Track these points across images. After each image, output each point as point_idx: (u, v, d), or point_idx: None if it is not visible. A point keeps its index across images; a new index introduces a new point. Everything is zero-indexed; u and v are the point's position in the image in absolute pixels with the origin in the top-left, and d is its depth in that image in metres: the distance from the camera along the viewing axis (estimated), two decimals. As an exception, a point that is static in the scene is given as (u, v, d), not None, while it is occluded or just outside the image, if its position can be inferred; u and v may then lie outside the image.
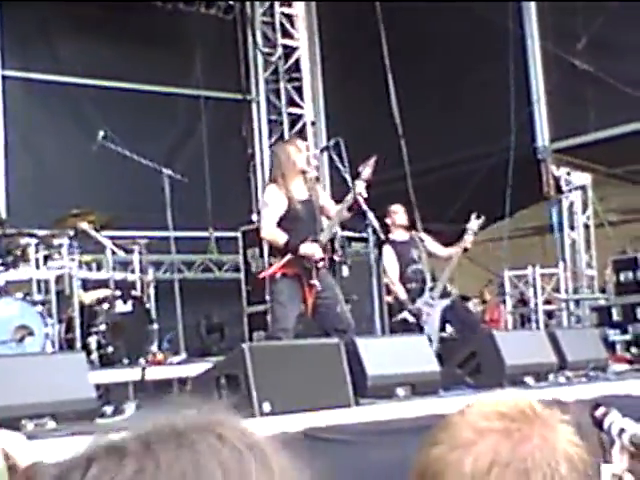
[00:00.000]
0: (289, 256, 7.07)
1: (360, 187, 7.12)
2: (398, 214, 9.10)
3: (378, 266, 8.38)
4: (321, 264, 7.16)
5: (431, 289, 8.79)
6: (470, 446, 1.18)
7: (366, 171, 7.20)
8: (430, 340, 8.39)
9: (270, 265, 7.44)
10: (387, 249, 8.89)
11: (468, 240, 8.83)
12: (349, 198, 7.21)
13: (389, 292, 9.10)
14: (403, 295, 8.78)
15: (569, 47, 10.83)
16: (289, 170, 7.28)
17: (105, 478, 0.83)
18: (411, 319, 8.64)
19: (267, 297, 9.88)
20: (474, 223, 8.80)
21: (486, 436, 1.18)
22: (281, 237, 7.11)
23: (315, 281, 7.09)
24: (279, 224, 7.20)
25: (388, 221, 8.96)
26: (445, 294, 8.90)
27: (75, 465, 0.86)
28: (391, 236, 8.95)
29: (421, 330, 8.50)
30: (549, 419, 1.20)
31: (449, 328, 8.74)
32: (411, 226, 9.52)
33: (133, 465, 0.84)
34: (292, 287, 7.12)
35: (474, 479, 1.17)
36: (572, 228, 11.50)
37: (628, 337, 10.34)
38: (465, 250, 8.91)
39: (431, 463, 1.21)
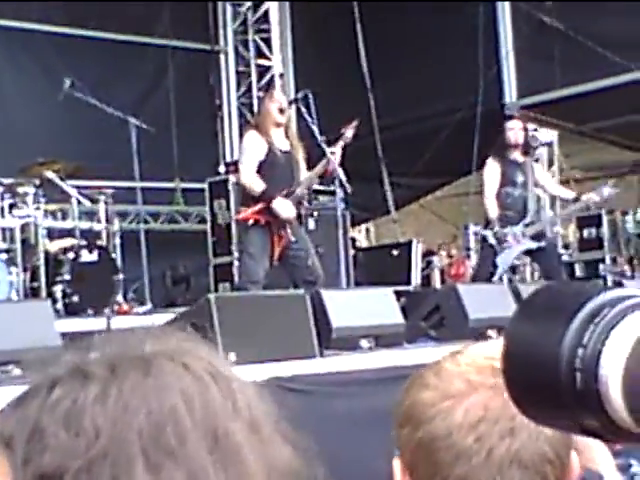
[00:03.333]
0: (262, 204, 7.10)
1: (337, 152, 7.20)
2: (512, 130, 8.75)
3: (344, 219, 8.40)
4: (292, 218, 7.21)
5: (527, 225, 8.59)
6: (462, 397, 1.20)
7: (349, 133, 7.27)
8: (495, 267, 8.39)
9: (242, 209, 7.45)
10: (491, 162, 8.69)
11: (589, 199, 8.63)
12: (322, 164, 7.27)
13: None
14: (492, 213, 8.53)
15: (539, 3, 10.83)
16: (265, 119, 7.37)
17: (67, 400, 0.84)
18: (491, 240, 8.50)
19: (233, 247, 9.95)
20: (607, 190, 8.58)
21: (479, 390, 1.19)
22: (258, 185, 7.16)
23: (287, 232, 7.13)
24: (258, 170, 7.24)
25: (500, 139, 8.73)
26: (539, 236, 8.66)
27: (39, 386, 0.87)
28: (504, 153, 8.70)
29: (494, 255, 8.46)
30: None
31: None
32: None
33: (96, 388, 0.85)
34: (263, 237, 7.16)
35: (461, 430, 1.19)
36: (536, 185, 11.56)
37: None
38: (576, 200, 8.77)
39: (420, 407, 1.23)
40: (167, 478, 0.83)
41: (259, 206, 7.14)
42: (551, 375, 0.77)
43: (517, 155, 8.78)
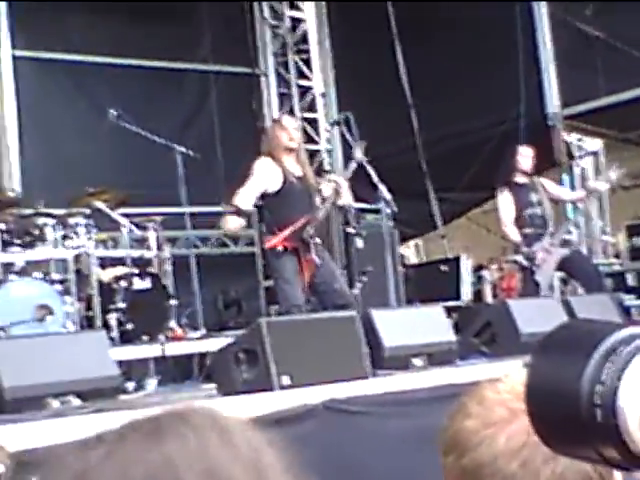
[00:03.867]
0: (289, 229, 7.12)
1: (349, 172, 7.25)
2: (524, 158, 8.91)
3: (392, 237, 8.43)
4: (318, 240, 7.21)
5: (551, 235, 8.66)
6: (505, 424, 1.24)
7: (357, 154, 7.33)
8: (537, 285, 8.43)
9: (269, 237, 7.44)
10: (503, 192, 8.82)
11: (601, 186, 8.75)
12: (332, 188, 7.29)
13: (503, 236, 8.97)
14: (516, 237, 8.64)
15: (577, 13, 10.81)
16: (276, 147, 7.38)
17: (78, 463, 0.92)
18: (524, 263, 8.58)
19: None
20: (613, 173, 8.68)
21: (519, 416, 1.22)
22: (247, 204, 7.28)
23: (314, 256, 7.14)
24: (276, 198, 7.24)
25: (512, 163, 8.86)
26: (566, 243, 8.74)
27: (68, 448, 0.95)
28: (513, 179, 8.85)
29: (532, 274, 8.51)
30: None
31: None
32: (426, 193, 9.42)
33: (103, 449, 0.93)
34: (293, 262, 7.17)
35: (505, 456, 1.22)
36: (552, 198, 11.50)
37: (643, 302, 10.38)
38: (588, 193, 8.87)
39: (464, 434, 1.27)
40: None
41: (287, 231, 7.14)
42: (572, 410, 0.82)
43: (524, 178, 8.91)
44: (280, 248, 7.16)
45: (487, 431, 1.24)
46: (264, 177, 7.26)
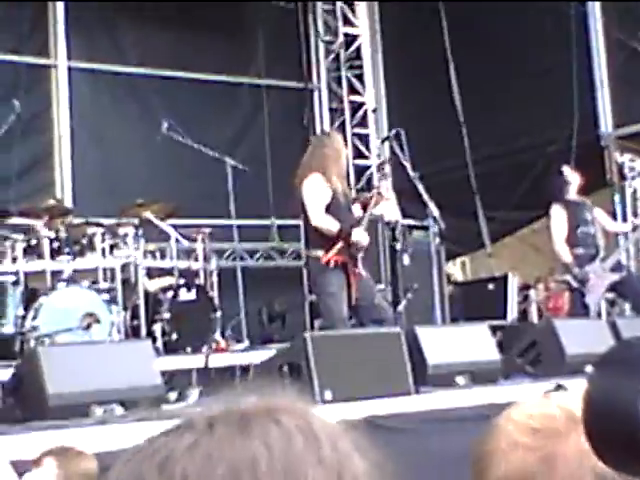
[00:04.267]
0: (341, 244, 7.11)
1: (387, 187, 7.27)
2: (571, 175, 8.88)
3: (438, 255, 8.40)
4: (361, 253, 7.21)
5: (603, 259, 8.58)
6: (506, 454, 1.26)
7: (385, 169, 7.34)
8: (586, 308, 8.37)
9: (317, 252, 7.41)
10: (556, 208, 8.73)
11: None
12: (373, 202, 7.29)
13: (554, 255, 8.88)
14: (567, 258, 8.54)
15: (633, 32, 10.73)
16: (332, 163, 7.37)
17: (165, 449, 0.93)
18: (574, 284, 8.52)
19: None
20: None
21: (518, 449, 1.25)
22: (333, 224, 7.15)
23: (361, 269, 7.14)
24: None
25: (563, 180, 8.82)
26: (617, 268, 8.63)
27: (150, 438, 0.96)
28: (566, 196, 8.79)
29: (582, 296, 8.45)
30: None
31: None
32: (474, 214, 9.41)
33: (190, 438, 0.93)
34: (340, 276, 7.16)
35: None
36: (636, 215, 11.36)
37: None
38: (634, 228, 8.85)
39: (475, 457, 1.31)
40: None
41: (339, 245, 7.13)
42: (629, 428, 0.82)
43: (576, 196, 8.83)
44: (332, 263, 7.15)
45: (493, 458, 1.27)
46: (323, 194, 7.27)
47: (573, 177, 8.84)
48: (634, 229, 8.98)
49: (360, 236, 7.11)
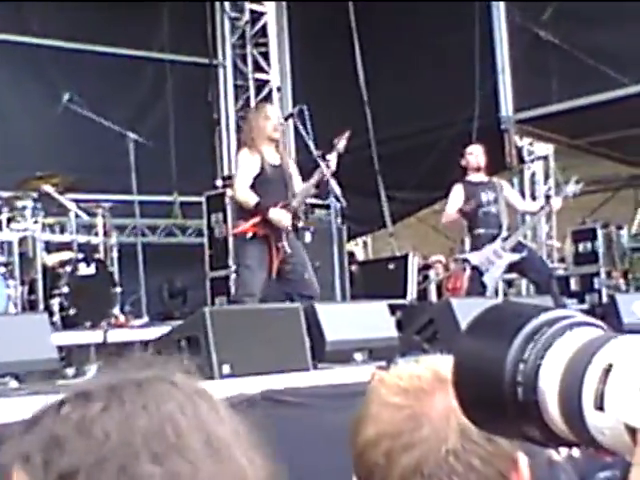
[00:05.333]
0: (259, 216, 7.15)
1: (332, 161, 7.27)
2: (472, 155, 8.97)
3: (340, 233, 8.45)
4: (289, 229, 7.26)
5: (504, 239, 8.69)
6: (377, 415, 1.29)
7: (341, 144, 7.34)
8: (484, 287, 8.50)
9: (238, 223, 7.50)
10: (456, 187, 8.89)
11: (557, 201, 8.83)
12: (317, 174, 7.32)
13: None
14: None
15: (535, 17, 10.91)
16: (258, 136, 7.38)
17: (75, 415, 0.96)
18: (474, 261, 8.65)
19: (230, 261, 9.99)
20: (572, 187, 8.76)
21: (388, 408, 1.29)
22: (252, 198, 7.22)
23: (285, 244, 7.18)
24: (251, 187, 7.29)
25: (463, 162, 8.94)
26: (518, 248, 8.75)
27: (48, 408, 0.99)
28: (466, 177, 8.93)
29: (480, 275, 8.57)
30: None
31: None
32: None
33: (100, 404, 0.97)
34: (261, 250, 7.20)
35: (370, 446, 1.28)
36: (533, 198, 11.61)
37: (585, 306, 10.51)
38: (548, 210, 9.02)
39: (355, 422, 1.33)
40: (171, 467, 0.94)
41: (256, 218, 7.19)
42: (496, 388, 0.84)
43: (481, 176, 8.96)
44: (249, 235, 7.19)
45: (364, 421, 1.30)
46: (248, 167, 7.32)
47: (476, 156, 8.96)
48: (541, 208, 9.17)
49: (277, 215, 7.15)
